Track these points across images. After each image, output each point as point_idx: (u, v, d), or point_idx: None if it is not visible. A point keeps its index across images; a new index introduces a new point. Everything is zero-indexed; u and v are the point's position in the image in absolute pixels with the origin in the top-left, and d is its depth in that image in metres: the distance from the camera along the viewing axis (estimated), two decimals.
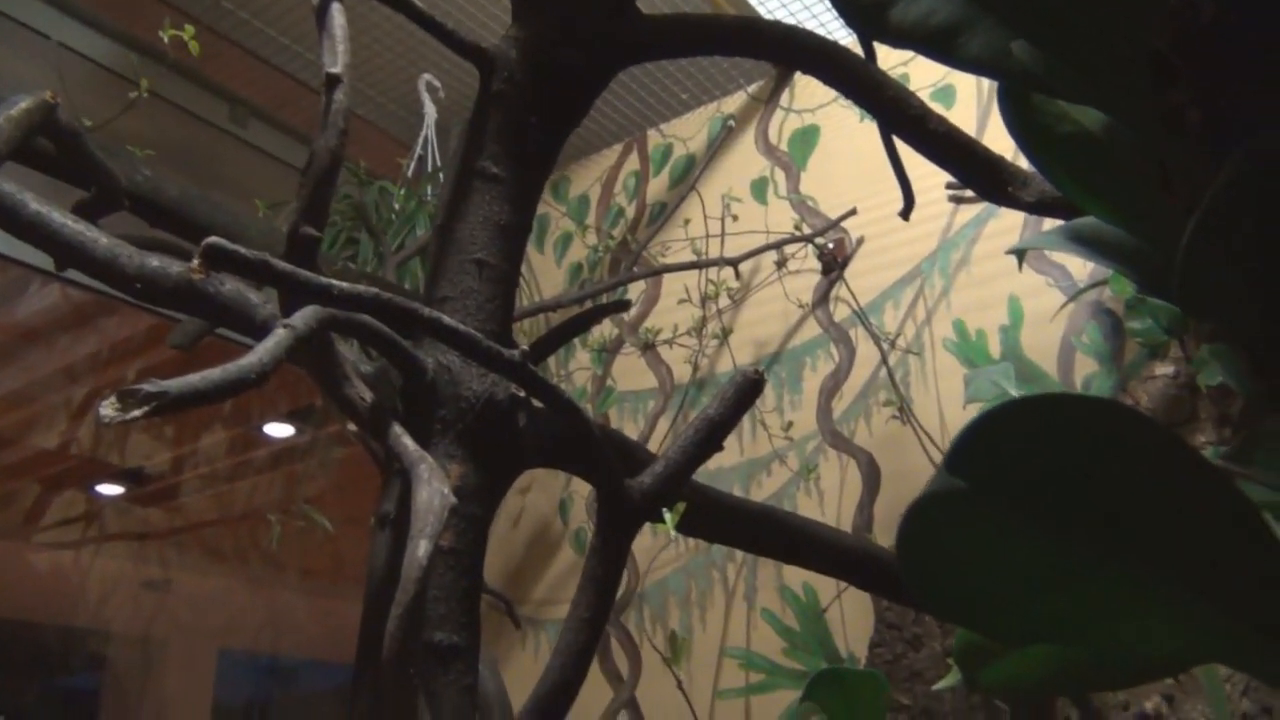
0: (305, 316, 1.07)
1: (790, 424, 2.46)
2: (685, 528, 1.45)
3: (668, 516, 1.10)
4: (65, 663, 5.67)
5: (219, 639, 5.94)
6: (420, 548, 1.07)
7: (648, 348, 2.81)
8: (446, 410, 1.29)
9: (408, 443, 1.20)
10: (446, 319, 1.05)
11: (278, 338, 1.01)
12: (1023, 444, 0.41)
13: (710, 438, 1.23)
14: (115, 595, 5.39)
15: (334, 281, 1.01)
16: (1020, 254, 1.69)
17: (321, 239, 1.18)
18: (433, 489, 1.12)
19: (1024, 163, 1.68)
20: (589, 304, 2.62)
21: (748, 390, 1.24)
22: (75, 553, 5.12)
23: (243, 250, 0.92)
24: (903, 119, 1.46)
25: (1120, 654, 0.71)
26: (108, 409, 0.87)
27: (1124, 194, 0.75)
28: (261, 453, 4.55)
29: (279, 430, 4.44)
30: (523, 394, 1.35)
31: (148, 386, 0.89)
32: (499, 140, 1.42)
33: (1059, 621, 0.46)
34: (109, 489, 4.82)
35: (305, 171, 1.23)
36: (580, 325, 1.59)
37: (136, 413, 0.88)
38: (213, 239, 0.92)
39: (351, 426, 1.72)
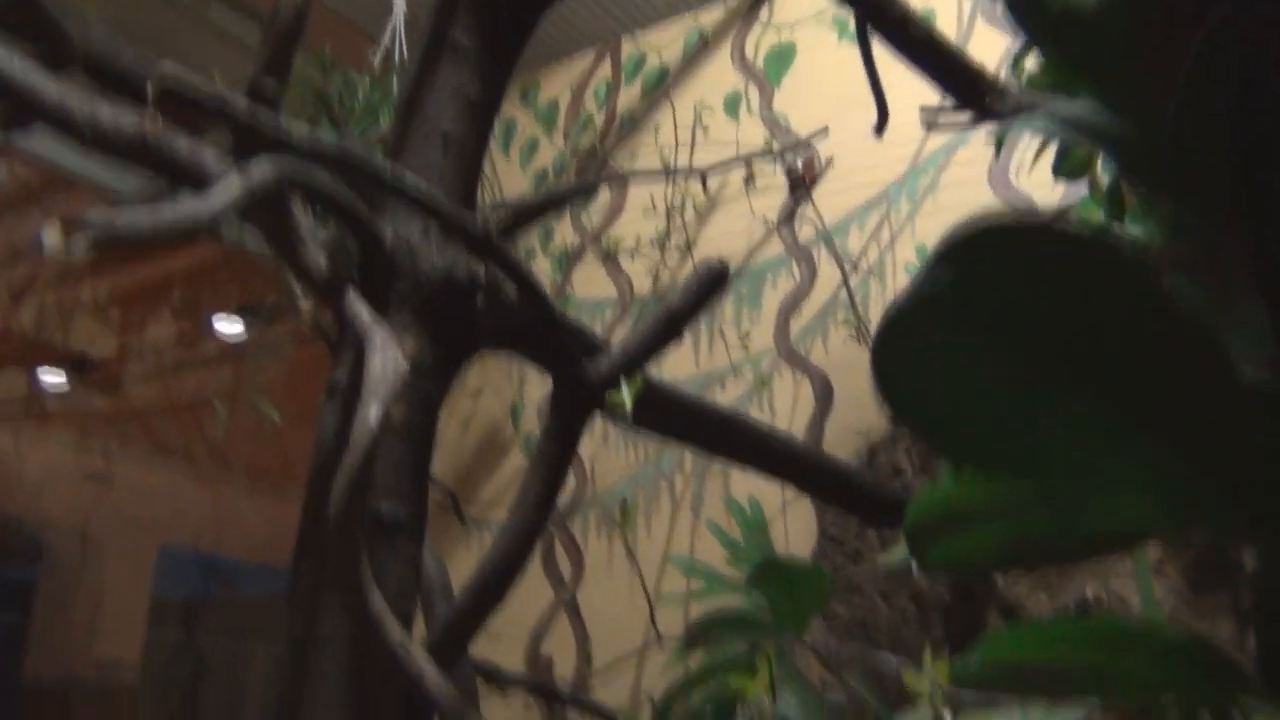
0: (261, 167, 1.03)
1: (748, 333, 2.46)
2: (651, 422, 1.44)
3: (625, 389, 1.09)
4: (1, 552, 5.61)
5: (160, 535, 5.89)
6: (371, 412, 1.05)
7: (609, 257, 2.78)
8: (403, 284, 1.27)
9: (362, 310, 1.18)
10: (411, 178, 1.02)
11: (230, 184, 0.98)
12: (1003, 266, 0.40)
13: (670, 328, 1.22)
14: (55, 485, 5.32)
15: (292, 128, 0.97)
16: (998, 143, 1.68)
17: (284, 88, 1.14)
18: (386, 356, 1.10)
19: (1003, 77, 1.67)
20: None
21: (711, 282, 1.23)
22: (14, 439, 5.04)
23: (199, 83, 0.89)
24: (886, 20, 1.44)
25: (1076, 520, 0.71)
26: (51, 237, 0.83)
27: (1113, 73, 0.74)
28: (210, 347, 4.48)
29: (229, 326, 4.36)
30: (482, 274, 1.32)
31: (94, 218, 0.85)
32: (471, 13, 1.37)
33: (1026, 453, 0.46)
34: (51, 376, 4.73)
35: (268, 25, 1.18)
36: (546, 206, 1.56)
37: (80, 246, 0.84)
38: (167, 69, 0.88)
39: (304, 303, 1.68)
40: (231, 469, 5.62)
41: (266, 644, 6.10)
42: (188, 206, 0.92)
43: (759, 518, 2.34)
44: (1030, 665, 0.65)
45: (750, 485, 2.37)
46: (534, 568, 2.58)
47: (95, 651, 5.59)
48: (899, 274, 2.34)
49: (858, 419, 2.25)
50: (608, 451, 2.60)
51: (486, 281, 1.32)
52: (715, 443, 1.53)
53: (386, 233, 1.25)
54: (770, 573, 1.11)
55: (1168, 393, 0.45)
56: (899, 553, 1.08)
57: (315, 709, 1.15)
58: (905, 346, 0.41)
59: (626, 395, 1.06)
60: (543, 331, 1.19)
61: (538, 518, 1.19)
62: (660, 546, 2.46)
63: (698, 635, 1.10)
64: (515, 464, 2.78)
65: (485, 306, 1.33)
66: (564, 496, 2.61)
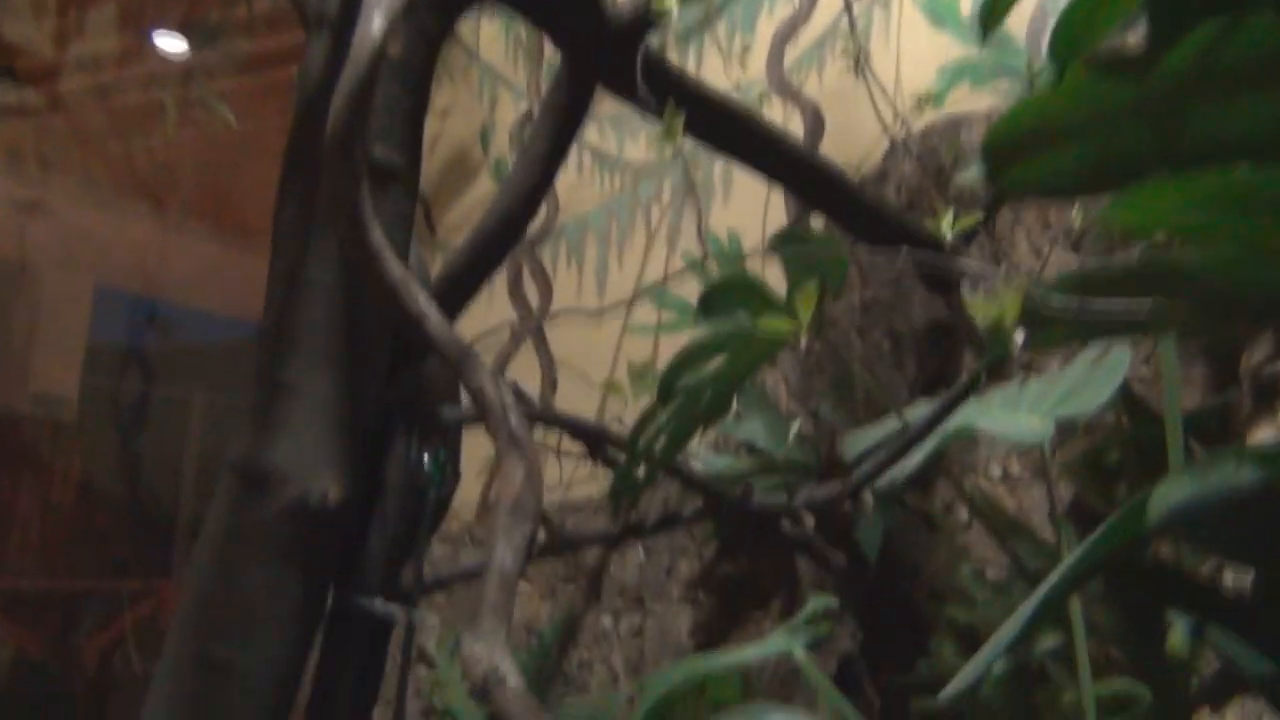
0: None
1: (747, 48, 2.32)
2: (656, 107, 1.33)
3: None
4: None
5: (96, 274, 5.70)
6: (375, 24, 0.95)
7: None
8: None
9: None
10: None
11: None
12: None
13: None
14: None
15: None
16: None
17: None
18: None
19: None
20: None
21: None
22: None
23: None
24: None
25: (1183, 129, 0.65)
26: None
27: None
28: (151, 66, 4.19)
29: (170, 44, 4.07)
30: None
31: None
32: None
33: None
34: None
35: None
36: None
37: None
38: None
39: None
40: (171, 205, 5.40)
41: (206, 390, 6.07)
42: None
43: (736, 251, 2.28)
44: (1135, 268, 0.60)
45: (729, 218, 2.31)
46: (500, 294, 2.52)
47: (31, 387, 5.50)
48: (905, 3, 2.21)
49: (848, 153, 2.16)
50: (581, 179, 2.50)
51: None
52: (722, 136, 1.44)
53: None
54: (791, 240, 1.05)
55: None
56: (974, 172, 1.02)
57: (303, 355, 1.09)
58: None
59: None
60: None
61: (545, 171, 1.11)
62: (632, 277, 2.41)
63: (712, 300, 1.05)
64: (484, 189, 2.66)
65: None
66: (533, 224, 2.53)
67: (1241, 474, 0.54)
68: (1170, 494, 0.55)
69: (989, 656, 0.72)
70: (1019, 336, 0.67)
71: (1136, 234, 0.58)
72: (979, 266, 0.78)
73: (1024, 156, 0.74)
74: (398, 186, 1.12)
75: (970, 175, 0.93)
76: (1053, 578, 0.63)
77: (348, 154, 0.93)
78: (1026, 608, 0.70)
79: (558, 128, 1.11)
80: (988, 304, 0.67)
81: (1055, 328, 0.66)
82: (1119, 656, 1.56)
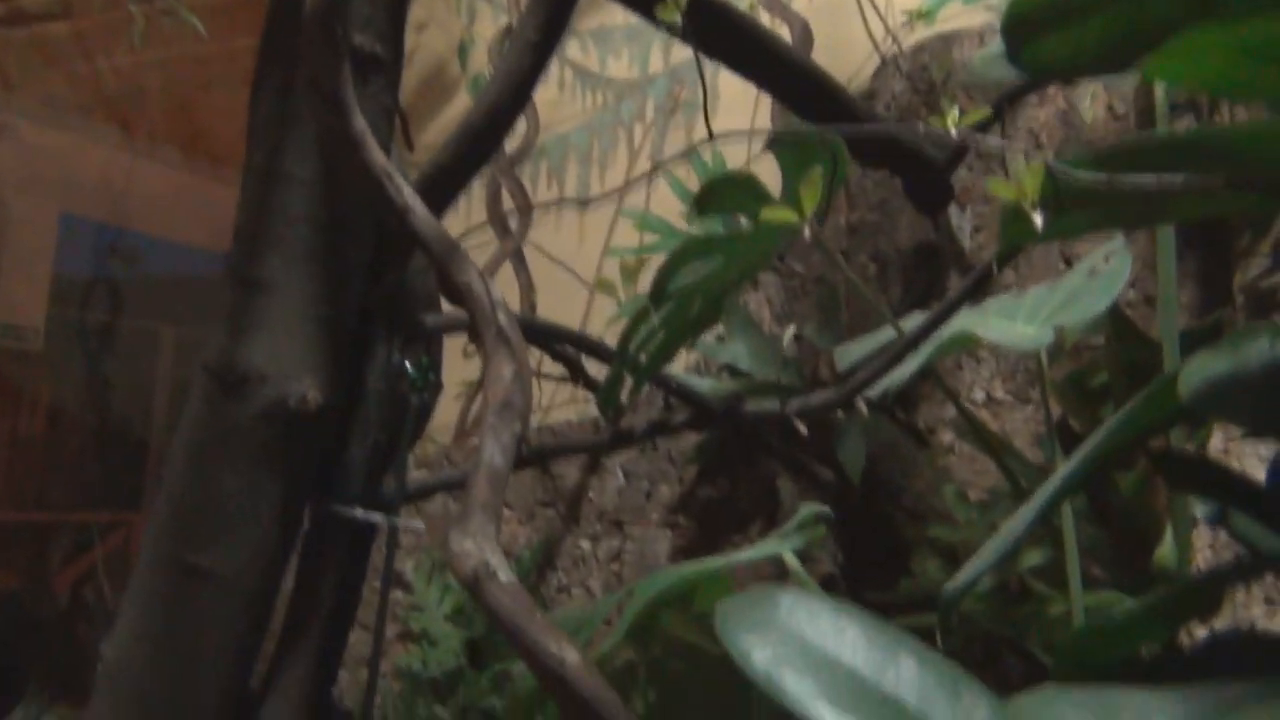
0: None
1: None
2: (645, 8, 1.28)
3: None
4: None
5: (61, 201, 5.57)
6: None
7: None
8: None
9: None
10: None
11: None
12: None
13: None
14: None
15: None
16: None
17: None
18: None
19: None
20: None
21: None
22: None
23: None
24: None
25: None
26: None
27: None
28: None
29: None
30: None
31: None
32: None
33: None
34: None
35: None
36: None
37: None
38: None
39: None
40: (138, 130, 5.26)
41: (175, 322, 5.98)
42: None
43: (721, 168, 2.24)
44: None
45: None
46: (478, 214, 2.47)
47: None
48: None
49: (837, 70, 2.10)
50: (562, 96, 2.44)
51: None
52: (718, 38, 1.38)
53: None
54: (785, 142, 1.01)
55: None
56: (990, 53, 0.98)
57: (280, 252, 1.04)
58: None
59: None
60: None
61: (535, 61, 1.06)
62: (613, 197, 2.36)
63: (707, 197, 1.01)
64: (461, 106, 2.59)
65: None
66: (512, 142, 2.47)
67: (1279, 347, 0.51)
68: (1204, 369, 0.52)
69: (997, 550, 0.70)
70: (1038, 219, 0.63)
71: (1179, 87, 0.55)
72: (997, 142, 0.74)
73: (1046, 30, 0.70)
74: (379, 79, 1.07)
75: (983, 55, 0.89)
76: (1072, 461, 0.61)
77: (329, 31, 0.88)
78: (1039, 497, 0.68)
79: (547, 17, 1.06)
80: (1007, 184, 0.64)
81: (1079, 211, 0.62)
82: (1101, 574, 1.56)
